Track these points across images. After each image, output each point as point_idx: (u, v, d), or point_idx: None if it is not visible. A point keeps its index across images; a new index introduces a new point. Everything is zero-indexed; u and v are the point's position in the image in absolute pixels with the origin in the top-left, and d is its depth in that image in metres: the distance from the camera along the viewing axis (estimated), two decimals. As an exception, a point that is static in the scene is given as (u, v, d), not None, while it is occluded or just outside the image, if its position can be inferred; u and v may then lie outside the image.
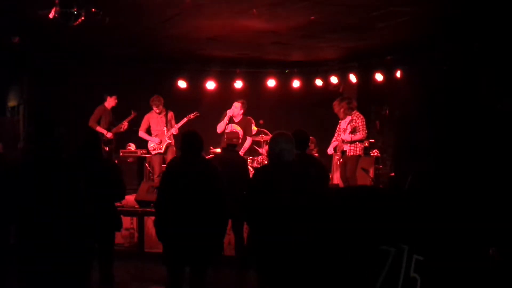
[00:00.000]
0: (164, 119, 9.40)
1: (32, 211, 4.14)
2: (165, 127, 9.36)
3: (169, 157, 9.11)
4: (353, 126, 8.37)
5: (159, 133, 9.36)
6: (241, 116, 8.82)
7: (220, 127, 8.78)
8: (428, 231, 2.79)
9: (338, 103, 8.66)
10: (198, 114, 9.39)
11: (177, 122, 9.42)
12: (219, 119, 9.26)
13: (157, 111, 9.33)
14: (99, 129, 9.32)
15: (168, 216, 4.58)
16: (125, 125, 9.68)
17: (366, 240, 2.82)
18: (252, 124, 9.96)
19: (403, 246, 2.69)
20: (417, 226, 2.80)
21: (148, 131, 9.44)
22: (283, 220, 3.89)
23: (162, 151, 9.31)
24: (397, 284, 2.68)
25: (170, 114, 9.48)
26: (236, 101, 8.89)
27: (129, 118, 9.69)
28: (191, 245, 4.50)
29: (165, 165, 7.84)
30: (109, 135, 9.45)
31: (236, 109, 8.74)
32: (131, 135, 9.99)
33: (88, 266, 4.84)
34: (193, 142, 4.67)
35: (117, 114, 9.76)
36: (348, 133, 8.39)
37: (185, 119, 9.31)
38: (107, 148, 9.27)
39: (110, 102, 9.62)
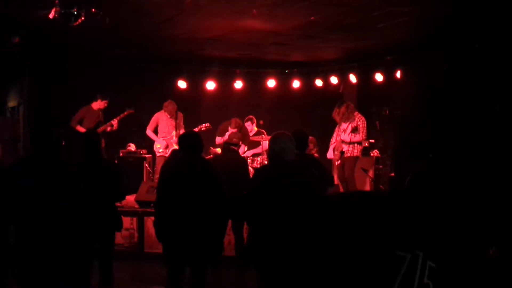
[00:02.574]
0: (173, 123, 9.30)
1: (31, 211, 4.14)
2: (174, 132, 9.27)
3: None
4: (353, 126, 8.37)
5: (166, 136, 9.31)
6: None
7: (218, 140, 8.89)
8: (431, 234, 2.79)
9: (337, 111, 8.62)
10: (211, 127, 9.30)
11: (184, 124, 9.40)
12: (218, 119, 9.29)
13: (169, 116, 9.29)
14: (78, 128, 9.09)
15: (168, 216, 4.58)
16: (115, 123, 9.33)
17: (370, 243, 2.82)
18: (254, 125, 9.97)
19: (418, 252, 2.68)
20: (421, 229, 2.79)
21: (155, 131, 9.39)
22: (283, 220, 3.88)
23: (167, 155, 9.27)
24: None
25: (180, 116, 9.42)
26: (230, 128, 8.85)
27: (121, 116, 9.37)
28: (191, 245, 4.50)
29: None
30: None
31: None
32: (131, 135, 9.98)
33: (88, 266, 4.85)
34: (194, 142, 4.67)
35: (116, 115, 9.71)
36: (348, 133, 8.39)
37: (196, 129, 9.20)
38: None
39: (100, 104, 9.34)
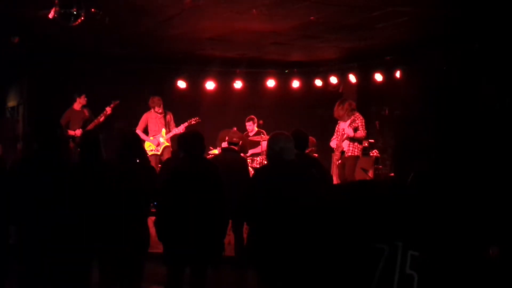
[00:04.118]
0: (163, 120, 9.36)
1: (32, 212, 4.14)
2: (164, 128, 9.33)
3: (165, 158, 9.08)
4: (354, 126, 8.36)
5: (157, 134, 9.34)
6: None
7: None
8: (427, 228, 2.78)
9: (340, 107, 8.59)
10: (200, 121, 9.33)
11: (175, 123, 9.41)
12: (218, 119, 9.28)
13: (159, 111, 9.30)
14: (69, 132, 9.04)
15: (168, 216, 4.58)
16: (100, 118, 9.32)
17: (364, 238, 2.82)
18: (255, 125, 9.96)
19: (397, 243, 2.67)
20: (416, 223, 2.79)
21: (146, 131, 9.41)
22: (283, 220, 3.88)
23: (159, 152, 9.28)
24: (393, 282, 2.66)
25: (169, 116, 9.44)
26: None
27: (105, 111, 9.37)
28: (192, 245, 4.50)
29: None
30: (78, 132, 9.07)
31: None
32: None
33: (88, 266, 4.84)
34: (195, 142, 4.67)
35: (116, 115, 9.69)
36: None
37: (186, 124, 9.26)
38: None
39: (80, 102, 9.28)
